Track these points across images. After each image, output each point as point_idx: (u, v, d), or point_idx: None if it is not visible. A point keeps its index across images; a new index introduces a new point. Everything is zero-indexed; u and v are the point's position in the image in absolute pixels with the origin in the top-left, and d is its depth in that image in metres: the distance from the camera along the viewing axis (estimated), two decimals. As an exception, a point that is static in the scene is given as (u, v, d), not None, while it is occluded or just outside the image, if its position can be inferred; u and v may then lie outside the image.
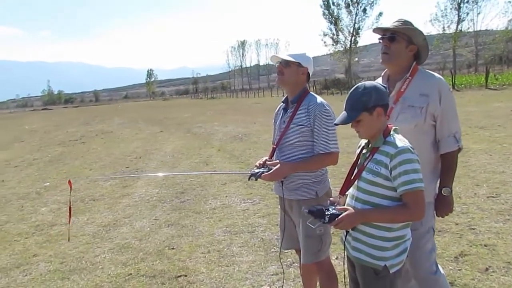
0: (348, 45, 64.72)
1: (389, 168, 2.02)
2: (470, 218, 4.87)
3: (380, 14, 62.70)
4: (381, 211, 2.07)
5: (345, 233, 2.23)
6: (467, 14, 58.03)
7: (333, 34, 65.09)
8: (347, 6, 63.53)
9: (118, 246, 4.96)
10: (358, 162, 2.23)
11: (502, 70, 57.08)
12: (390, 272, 2.08)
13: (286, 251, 3.65)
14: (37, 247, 5.13)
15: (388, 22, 2.69)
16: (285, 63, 2.78)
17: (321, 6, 65.04)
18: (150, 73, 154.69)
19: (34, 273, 4.39)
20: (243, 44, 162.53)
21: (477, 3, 57.63)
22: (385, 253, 2.08)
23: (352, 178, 2.22)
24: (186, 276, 4.03)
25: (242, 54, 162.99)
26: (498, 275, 3.53)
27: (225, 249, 4.62)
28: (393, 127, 2.13)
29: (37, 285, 4.09)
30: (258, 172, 2.74)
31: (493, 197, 5.53)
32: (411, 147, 2.05)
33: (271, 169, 2.70)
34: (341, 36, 65.08)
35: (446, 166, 2.53)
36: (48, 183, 8.86)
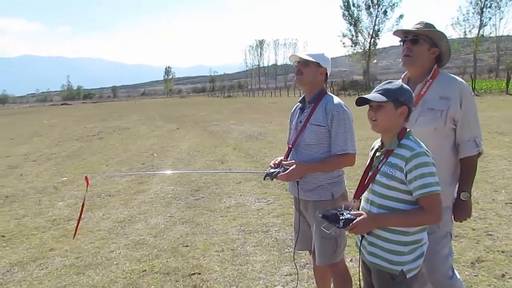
0: (367, 47, 64.15)
1: (404, 172, 1.99)
2: (488, 224, 4.79)
3: (401, 16, 61.78)
4: (397, 215, 2.04)
5: (360, 238, 2.20)
6: (490, 19, 57.11)
7: (352, 35, 64.61)
8: (368, 7, 62.96)
9: (133, 242, 5.00)
10: (372, 165, 2.20)
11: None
12: (407, 277, 2.05)
13: (300, 252, 3.63)
14: (53, 242, 5.19)
15: (408, 24, 2.66)
16: (304, 63, 2.75)
17: (341, 7, 64.65)
18: (168, 71, 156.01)
19: (50, 267, 4.44)
20: (261, 43, 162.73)
21: (499, 8, 56.71)
22: (402, 257, 2.05)
23: (366, 182, 2.19)
24: (199, 274, 4.03)
25: (260, 53, 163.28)
26: (516, 283, 3.46)
27: (239, 248, 4.62)
28: (408, 130, 2.11)
29: (52, 279, 4.13)
30: (273, 172, 2.71)
31: (511, 203, 5.43)
32: (427, 150, 2.02)
33: (287, 169, 2.68)
34: (360, 38, 64.64)
35: (465, 170, 2.50)
36: (65, 178, 8.97)
